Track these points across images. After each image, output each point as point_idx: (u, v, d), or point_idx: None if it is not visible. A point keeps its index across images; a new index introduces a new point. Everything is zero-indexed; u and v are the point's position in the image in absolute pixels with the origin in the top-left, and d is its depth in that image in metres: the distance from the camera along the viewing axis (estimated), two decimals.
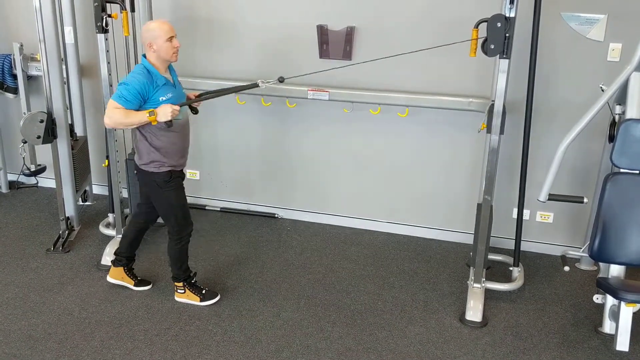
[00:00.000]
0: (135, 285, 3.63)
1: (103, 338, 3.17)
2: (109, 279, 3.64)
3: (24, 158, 4.49)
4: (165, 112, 3.03)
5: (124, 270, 3.63)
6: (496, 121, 3.22)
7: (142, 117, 3.02)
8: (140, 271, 3.81)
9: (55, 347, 3.09)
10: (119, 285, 3.64)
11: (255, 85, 3.33)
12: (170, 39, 3.10)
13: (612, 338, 3.18)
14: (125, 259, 3.62)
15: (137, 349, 3.09)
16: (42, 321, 3.31)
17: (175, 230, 3.37)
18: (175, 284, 3.51)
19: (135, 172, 3.38)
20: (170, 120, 3.06)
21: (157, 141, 3.18)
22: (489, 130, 3.34)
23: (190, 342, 3.15)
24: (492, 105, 3.27)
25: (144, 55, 3.15)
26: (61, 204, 4.23)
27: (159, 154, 3.20)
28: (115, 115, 3.00)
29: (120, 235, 3.99)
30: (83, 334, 3.21)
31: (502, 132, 3.28)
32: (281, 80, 3.25)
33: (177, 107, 3.07)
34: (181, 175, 3.36)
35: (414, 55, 3.99)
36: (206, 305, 3.48)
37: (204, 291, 3.52)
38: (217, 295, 3.53)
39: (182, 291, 3.50)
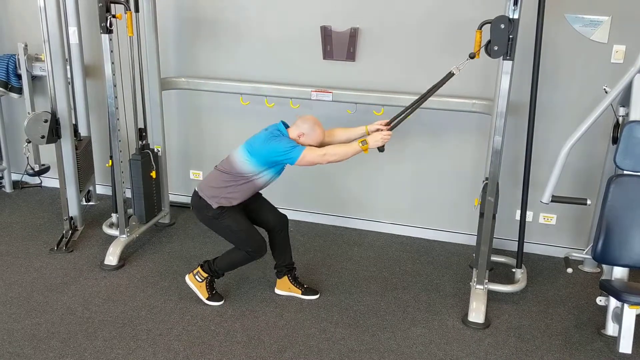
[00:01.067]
0: (303, 294, 3.60)
1: (106, 337, 3.18)
2: (277, 290, 3.64)
3: (27, 158, 4.50)
4: (376, 140, 3.17)
5: (289, 279, 3.61)
6: (499, 121, 3.21)
7: (356, 147, 3.17)
8: (144, 270, 3.82)
9: (59, 347, 3.09)
10: (125, 281, 3.66)
11: (451, 75, 3.25)
12: (313, 147, 3.24)
13: (615, 340, 3.18)
14: (285, 268, 3.60)
15: (140, 349, 3.09)
16: (46, 320, 3.31)
17: (247, 253, 3.37)
18: (201, 269, 3.48)
19: (191, 207, 3.44)
20: (383, 145, 3.19)
21: (236, 190, 3.27)
22: (481, 209, 3.40)
23: (192, 342, 3.16)
24: (486, 184, 3.37)
25: (285, 124, 3.28)
26: (65, 204, 4.24)
27: (224, 197, 3.27)
28: (327, 154, 3.18)
29: (124, 236, 4.01)
30: (86, 333, 3.21)
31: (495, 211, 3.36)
32: (472, 56, 3.15)
33: (387, 134, 3.19)
34: (238, 205, 3.36)
35: (417, 57, 4.00)
36: (208, 305, 3.48)
37: (214, 292, 3.52)
38: (222, 299, 3.53)
39: (200, 280, 3.48)
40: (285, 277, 3.61)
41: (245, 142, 3.33)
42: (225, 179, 3.29)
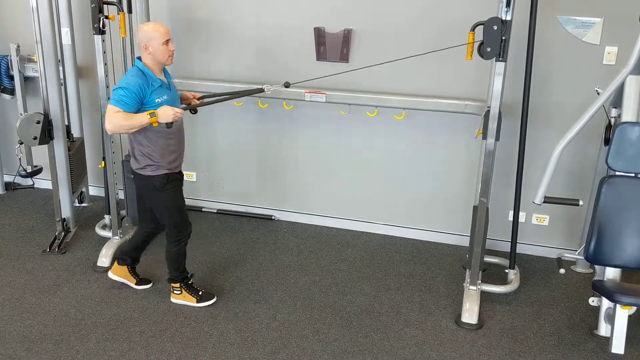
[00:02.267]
0: (137, 284, 3.64)
1: (99, 339, 3.17)
2: (111, 274, 3.63)
3: (20, 159, 4.48)
4: (166, 114, 3.00)
5: (128, 269, 3.63)
6: (492, 125, 3.22)
7: (143, 119, 2.99)
8: (138, 272, 3.81)
9: (51, 349, 3.08)
10: (119, 283, 3.64)
11: (261, 90, 3.32)
12: (166, 42, 3.10)
13: (607, 341, 3.19)
14: (130, 259, 3.62)
15: (132, 351, 3.09)
16: (38, 322, 3.30)
17: (173, 232, 3.36)
18: (172, 285, 3.50)
19: (132, 176, 3.38)
20: (172, 122, 3.03)
21: (153, 145, 3.17)
22: (484, 135, 3.35)
23: (186, 344, 3.15)
24: (488, 111, 3.28)
25: (139, 58, 3.14)
26: (57, 205, 4.22)
27: (155, 157, 3.19)
28: (116, 119, 2.97)
29: (117, 237, 4.00)
30: (79, 335, 3.20)
31: (497, 138, 3.28)
32: (287, 85, 3.24)
33: (180, 110, 3.06)
34: (179, 177, 3.36)
35: (410, 58, 4.00)
36: (202, 307, 3.48)
37: (200, 292, 3.51)
38: (214, 297, 3.53)
39: (179, 292, 3.49)
40: (125, 267, 3.63)
41: None
42: (135, 144, 3.20)
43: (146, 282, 3.69)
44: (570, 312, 3.58)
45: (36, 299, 3.52)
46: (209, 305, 3.49)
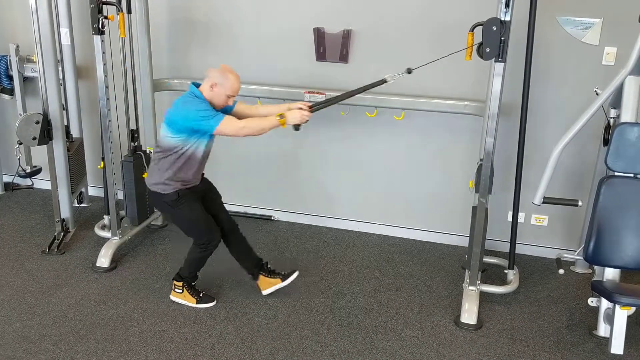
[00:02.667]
0: (283, 279, 3.56)
1: (98, 340, 3.17)
2: (264, 292, 3.58)
3: (19, 159, 4.48)
4: (294, 116, 3.09)
5: (264, 276, 3.57)
6: (491, 124, 3.22)
7: (273, 121, 3.08)
8: (136, 272, 3.82)
9: (50, 349, 3.08)
10: (118, 283, 3.62)
11: (383, 82, 3.25)
12: (231, 97, 3.16)
13: (606, 341, 3.19)
14: (254, 269, 3.58)
15: (132, 351, 3.08)
16: (37, 323, 3.30)
17: (202, 242, 3.35)
18: (175, 282, 3.49)
19: (146, 195, 3.36)
20: (299, 124, 3.11)
21: (179, 173, 3.20)
22: (476, 188, 3.40)
23: (185, 344, 3.15)
24: (481, 165, 3.35)
25: (195, 85, 3.17)
26: (56, 206, 4.22)
27: (171, 179, 3.21)
28: (248, 124, 3.07)
29: (116, 238, 3.99)
30: (78, 335, 3.20)
31: (490, 191, 3.35)
32: (409, 71, 3.17)
33: (307, 113, 3.11)
34: (194, 189, 3.32)
35: (409, 59, 4.00)
36: (201, 308, 3.47)
37: (201, 294, 3.51)
38: (214, 300, 3.52)
39: (180, 291, 3.49)
40: (261, 276, 3.57)
41: (164, 117, 3.21)
42: (161, 163, 3.21)
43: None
44: (569, 312, 3.58)
45: (35, 300, 3.52)
46: (207, 308, 3.48)
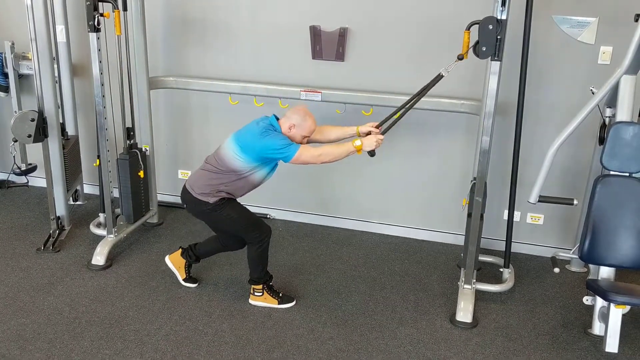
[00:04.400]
0: (184, 280, 3.66)
1: (93, 338, 3.16)
2: (167, 259, 3.67)
3: (14, 157, 4.46)
4: (370, 142, 3.13)
5: (186, 264, 3.64)
6: (487, 122, 3.22)
7: (350, 147, 3.14)
8: (132, 270, 3.81)
9: (45, 347, 3.07)
10: (113, 281, 3.63)
11: (440, 77, 3.26)
12: (305, 137, 3.23)
13: (601, 339, 3.20)
14: (195, 257, 3.63)
15: (127, 349, 3.08)
16: (32, 321, 3.29)
17: (254, 236, 3.36)
18: (254, 287, 3.48)
19: (184, 206, 3.39)
20: (374, 150, 3.14)
21: (233, 187, 3.24)
22: (470, 207, 3.42)
23: (180, 342, 3.15)
24: (474, 184, 3.38)
25: (276, 117, 3.24)
26: (52, 204, 4.21)
27: (221, 192, 3.24)
28: (324, 150, 3.15)
29: (112, 236, 3.98)
30: (73, 334, 3.19)
31: (483, 210, 3.39)
32: (460, 58, 3.14)
33: (381, 137, 3.17)
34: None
35: (406, 57, 4.01)
36: (282, 308, 3.48)
37: (280, 294, 3.52)
38: (294, 300, 3.54)
39: (260, 294, 3.48)
40: (185, 261, 3.65)
41: (234, 135, 3.27)
42: (216, 177, 3.24)
43: (193, 281, 3.68)
44: (564, 311, 3.59)
45: (30, 298, 3.51)
46: (203, 303, 3.49)
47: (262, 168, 3.24)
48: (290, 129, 3.21)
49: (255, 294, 3.49)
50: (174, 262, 3.65)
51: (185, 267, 3.64)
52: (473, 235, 3.45)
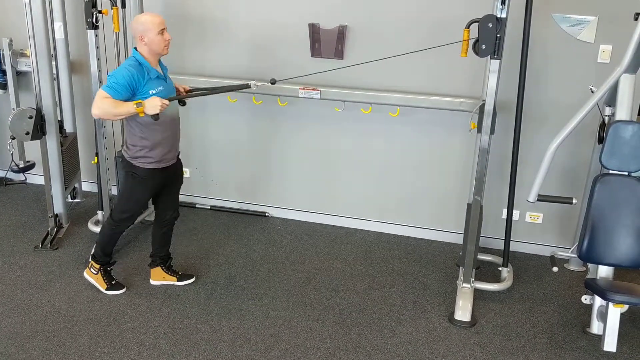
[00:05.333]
0: (179, 280, 3.65)
1: (91, 336, 3.15)
2: (152, 282, 3.65)
3: (12, 154, 4.46)
4: (154, 105, 2.99)
5: (162, 269, 3.64)
6: (486, 121, 3.22)
7: (130, 108, 2.99)
8: (125, 270, 3.80)
9: (43, 345, 3.07)
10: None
11: (247, 86, 3.34)
12: (162, 31, 3.09)
13: (599, 338, 3.20)
14: (158, 259, 3.63)
15: (125, 347, 3.07)
16: (30, 319, 3.28)
17: (118, 217, 3.41)
18: (92, 262, 3.54)
19: (120, 161, 3.38)
20: (157, 114, 3.02)
21: (147, 134, 3.17)
22: (479, 130, 3.35)
23: (178, 341, 3.14)
24: (483, 104, 3.28)
25: (135, 48, 3.13)
26: (50, 201, 4.20)
27: (147, 148, 3.20)
28: (104, 105, 2.98)
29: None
30: (71, 331, 3.19)
31: (492, 132, 3.28)
32: (273, 82, 3.24)
33: (166, 101, 3.04)
34: (165, 174, 3.33)
35: (405, 56, 4.00)
36: (109, 294, 3.51)
37: (113, 281, 3.56)
38: (123, 287, 3.56)
39: (95, 272, 3.54)
40: (159, 267, 3.64)
41: None
42: (129, 133, 3.24)
43: (188, 277, 3.69)
44: (563, 310, 3.59)
45: (28, 295, 3.50)
46: (201, 302, 3.48)
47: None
48: (142, 41, 3.06)
49: (91, 269, 3.55)
50: (156, 278, 3.66)
51: (166, 272, 3.65)
52: (472, 234, 3.45)
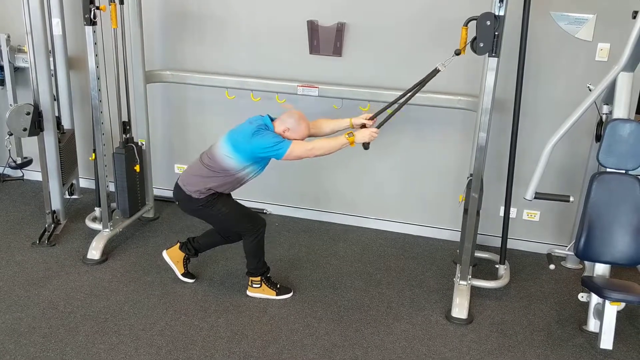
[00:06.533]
0: (183, 275, 3.65)
1: (88, 332, 3.15)
2: (165, 254, 3.65)
3: (9, 150, 4.45)
4: (364, 135, 3.14)
5: (184, 257, 3.64)
6: (484, 119, 3.22)
7: (343, 140, 3.15)
8: (127, 265, 3.80)
9: (40, 342, 3.07)
10: (109, 276, 3.63)
11: (437, 71, 3.25)
12: (296, 141, 3.21)
13: (596, 336, 3.21)
14: (195, 251, 3.63)
15: (122, 344, 3.07)
16: (27, 315, 3.28)
17: (248, 228, 3.38)
18: (251, 278, 3.51)
19: (177, 203, 3.42)
20: (369, 142, 3.15)
21: (222, 184, 3.26)
22: (466, 203, 3.42)
23: (176, 337, 3.14)
24: (470, 180, 3.39)
25: (271, 118, 3.26)
26: (47, 197, 4.19)
27: (212, 188, 3.26)
28: (317, 144, 3.16)
29: (107, 230, 3.97)
30: (68, 328, 3.19)
31: (480, 206, 3.39)
32: (457, 52, 3.12)
33: (375, 130, 3.17)
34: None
35: (403, 53, 4.00)
36: (279, 299, 3.51)
37: (278, 285, 3.55)
38: (291, 291, 3.57)
39: (258, 285, 3.50)
40: (184, 255, 3.64)
41: (228, 134, 3.30)
42: (208, 174, 3.26)
43: (191, 276, 3.68)
44: (559, 307, 3.60)
45: (25, 292, 3.50)
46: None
47: (253, 166, 3.26)
48: (284, 132, 3.23)
49: (253, 285, 3.51)
50: (172, 257, 3.64)
51: (183, 261, 3.64)
52: (469, 232, 3.45)
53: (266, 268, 3.52)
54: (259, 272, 3.48)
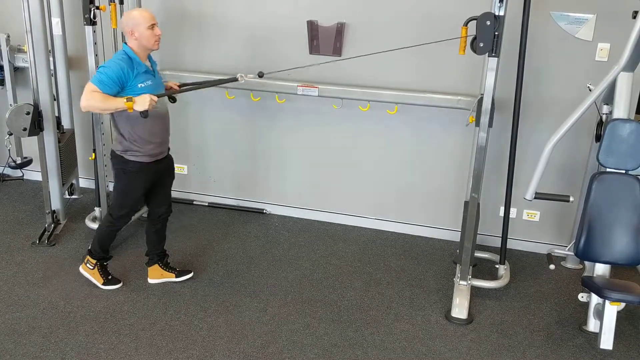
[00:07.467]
0: (177, 276, 3.64)
1: (88, 332, 3.15)
2: (150, 280, 3.64)
3: (9, 150, 4.44)
4: (143, 101, 3.01)
5: (160, 266, 3.63)
6: (484, 118, 3.22)
7: (120, 103, 3.00)
8: (120, 266, 3.79)
9: (40, 341, 3.06)
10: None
11: (235, 79, 3.32)
12: (152, 26, 3.10)
13: (596, 336, 3.20)
14: (156, 256, 3.63)
15: (122, 344, 3.07)
16: (27, 315, 3.28)
17: (116, 214, 3.41)
18: (88, 257, 3.54)
19: (110, 157, 3.39)
20: (147, 110, 3.02)
21: (137, 130, 3.18)
22: (477, 124, 3.35)
23: (175, 337, 3.14)
24: (482, 98, 3.28)
25: (125, 43, 3.14)
26: (47, 197, 4.19)
27: (137, 143, 3.20)
28: (93, 98, 2.99)
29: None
30: (68, 328, 3.18)
31: (490, 125, 3.28)
32: (260, 75, 3.24)
33: (155, 98, 3.05)
34: (157, 168, 3.35)
35: (403, 53, 3.99)
36: (105, 289, 3.53)
37: (109, 276, 3.57)
38: (120, 282, 3.58)
39: (92, 267, 3.54)
40: (157, 265, 3.63)
41: None
42: (117, 129, 3.23)
43: (186, 272, 3.68)
44: (559, 307, 3.60)
45: (25, 291, 3.50)
46: (198, 298, 3.48)
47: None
48: (133, 35, 3.08)
49: (87, 264, 3.55)
50: (154, 276, 3.64)
51: (164, 269, 3.64)
52: (469, 232, 3.45)
53: (105, 257, 3.55)
54: (97, 257, 3.52)
